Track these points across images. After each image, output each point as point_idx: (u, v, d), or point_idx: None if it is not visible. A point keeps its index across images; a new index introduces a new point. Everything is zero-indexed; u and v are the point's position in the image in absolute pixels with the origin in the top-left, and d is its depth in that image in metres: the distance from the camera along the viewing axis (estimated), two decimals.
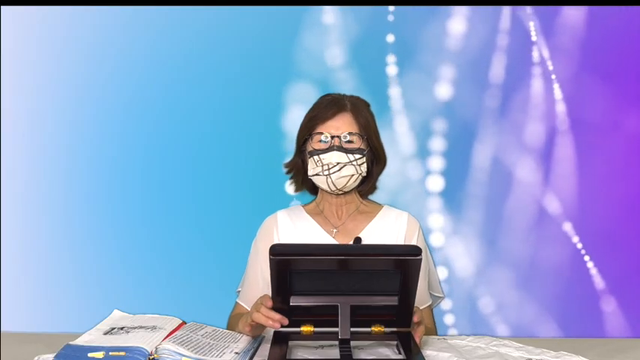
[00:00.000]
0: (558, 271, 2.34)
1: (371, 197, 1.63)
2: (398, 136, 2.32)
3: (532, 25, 2.31)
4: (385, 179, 1.63)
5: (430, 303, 1.59)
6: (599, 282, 2.33)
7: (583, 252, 2.33)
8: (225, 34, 2.31)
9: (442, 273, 2.33)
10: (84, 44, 2.29)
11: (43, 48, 2.29)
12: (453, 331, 2.31)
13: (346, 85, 2.29)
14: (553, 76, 2.30)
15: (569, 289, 2.33)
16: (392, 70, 2.32)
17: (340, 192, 1.50)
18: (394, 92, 2.33)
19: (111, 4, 2.25)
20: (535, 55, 2.31)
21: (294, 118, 2.25)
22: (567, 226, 2.33)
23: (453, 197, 2.34)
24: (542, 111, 2.31)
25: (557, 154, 2.32)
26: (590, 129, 2.33)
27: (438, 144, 2.33)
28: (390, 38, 2.32)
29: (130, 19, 2.29)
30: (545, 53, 2.31)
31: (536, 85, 2.31)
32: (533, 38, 2.31)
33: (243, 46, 2.31)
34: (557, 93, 2.30)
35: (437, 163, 2.34)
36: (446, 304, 2.33)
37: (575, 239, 2.33)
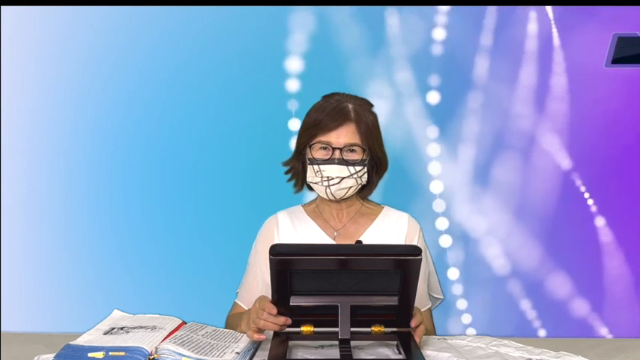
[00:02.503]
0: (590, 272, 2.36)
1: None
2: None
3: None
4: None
5: (430, 305, 1.59)
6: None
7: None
8: (225, 33, 2.31)
9: (454, 274, 2.33)
10: (84, 44, 2.29)
11: (43, 48, 2.29)
12: (471, 331, 2.31)
13: (347, 84, 2.30)
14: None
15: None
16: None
17: (338, 200, 1.50)
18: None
19: (111, 4, 2.25)
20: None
21: (295, 119, 2.27)
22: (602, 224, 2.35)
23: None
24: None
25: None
26: None
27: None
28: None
29: (130, 19, 2.29)
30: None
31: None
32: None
33: (245, 45, 2.31)
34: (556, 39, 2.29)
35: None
36: (462, 304, 2.33)
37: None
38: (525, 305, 2.35)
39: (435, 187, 2.36)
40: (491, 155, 2.36)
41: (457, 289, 2.34)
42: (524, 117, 2.34)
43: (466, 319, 2.34)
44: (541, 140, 2.35)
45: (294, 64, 2.31)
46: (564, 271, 2.36)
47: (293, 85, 2.31)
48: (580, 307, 2.36)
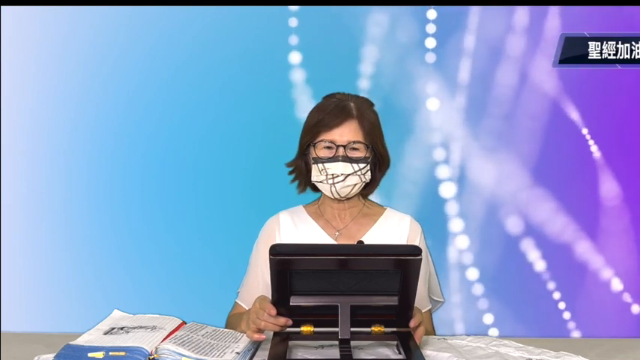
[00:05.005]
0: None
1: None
2: None
3: None
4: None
5: (430, 307, 1.59)
6: None
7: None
8: (226, 33, 2.30)
9: (474, 274, 2.33)
10: (84, 44, 2.29)
11: (43, 48, 2.29)
12: (493, 331, 2.30)
13: (350, 84, 2.30)
14: None
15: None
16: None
17: (343, 198, 1.51)
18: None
19: (111, 4, 2.25)
20: None
21: (297, 119, 2.26)
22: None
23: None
24: None
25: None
26: None
27: None
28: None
29: (130, 19, 2.29)
30: None
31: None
32: None
33: (245, 45, 2.30)
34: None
35: None
36: (483, 304, 2.32)
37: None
38: (553, 303, 2.31)
39: (446, 190, 2.35)
40: (509, 158, 2.35)
41: (478, 289, 2.33)
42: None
43: (488, 319, 2.33)
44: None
45: (296, 64, 2.31)
46: (597, 264, 2.32)
47: (296, 85, 2.31)
48: (619, 304, 2.32)
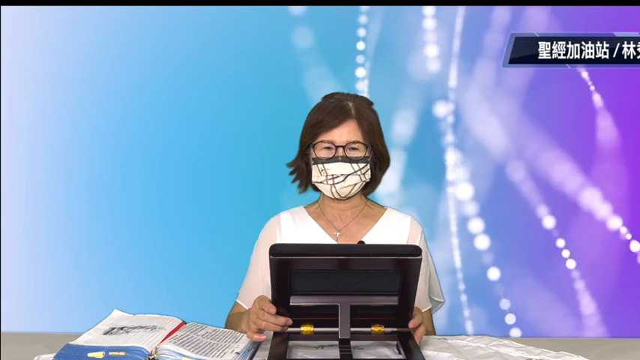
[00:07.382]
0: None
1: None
2: None
3: None
4: None
5: (430, 307, 1.59)
6: None
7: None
8: (226, 33, 2.31)
9: (495, 274, 2.31)
10: (84, 44, 2.29)
11: (43, 48, 2.29)
12: (516, 332, 2.29)
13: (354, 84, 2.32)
14: None
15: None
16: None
17: (343, 198, 1.51)
18: None
19: (111, 4, 2.25)
20: None
21: (297, 119, 2.26)
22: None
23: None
24: None
25: None
26: None
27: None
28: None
29: (130, 19, 2.29)
30: None
31: None
32: None
33: (245, 45, 2.31)
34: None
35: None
36: (505, 304, 2.31)
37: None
38: (577, 304, 2.29)
39: (462, 191, 2.34)
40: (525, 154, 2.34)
41: (499, 289, 2.31)
42: None
43: (510, 319, 2.31)
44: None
45: (297, 64, 2.31)
46: (627, 262, 2.30)
47: (297, 85, 2.31)
48: None
